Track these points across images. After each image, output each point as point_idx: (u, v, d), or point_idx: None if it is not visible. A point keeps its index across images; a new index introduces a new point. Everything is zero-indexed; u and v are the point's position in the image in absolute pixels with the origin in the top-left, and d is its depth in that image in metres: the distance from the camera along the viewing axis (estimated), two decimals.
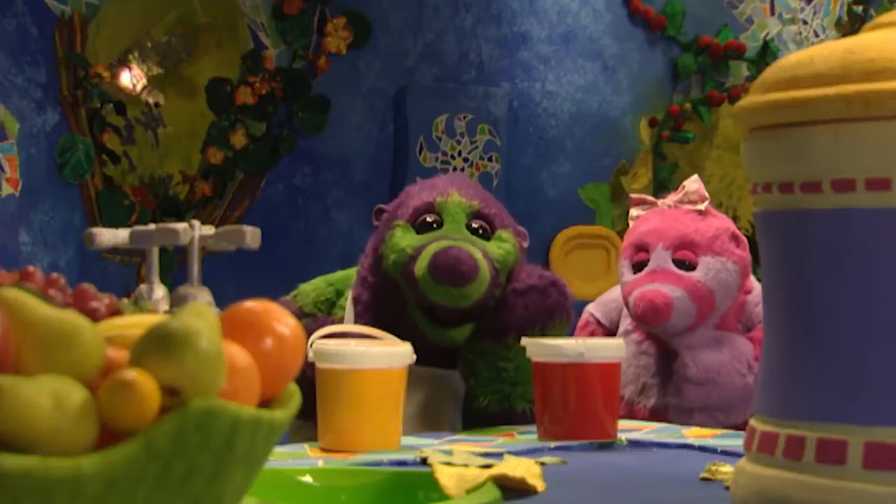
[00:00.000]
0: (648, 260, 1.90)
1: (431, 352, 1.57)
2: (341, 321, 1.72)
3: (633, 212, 1.98)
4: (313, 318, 1.72)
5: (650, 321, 1.84)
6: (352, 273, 1.76)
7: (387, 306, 1.64)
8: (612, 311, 2.06)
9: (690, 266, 1.86)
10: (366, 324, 1.61)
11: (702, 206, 1.89)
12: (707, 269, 1.86)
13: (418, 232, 1.62)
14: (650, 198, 1.97)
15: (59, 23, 3.96)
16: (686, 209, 1.90)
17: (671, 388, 1.87)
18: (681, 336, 1.87)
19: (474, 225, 1.63)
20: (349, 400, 1.30)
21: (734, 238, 1.90)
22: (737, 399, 1.81)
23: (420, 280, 1.55)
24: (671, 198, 1.94)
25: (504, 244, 1.62)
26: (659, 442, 1.37)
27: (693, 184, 1.93)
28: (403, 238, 1.61)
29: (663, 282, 1.86)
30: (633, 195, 2.00)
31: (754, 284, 1.95)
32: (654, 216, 1.95)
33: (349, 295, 1.73)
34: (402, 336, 1.52)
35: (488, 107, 4.38)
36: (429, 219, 1.63)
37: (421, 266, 1.55)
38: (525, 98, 4.50)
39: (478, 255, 1.55)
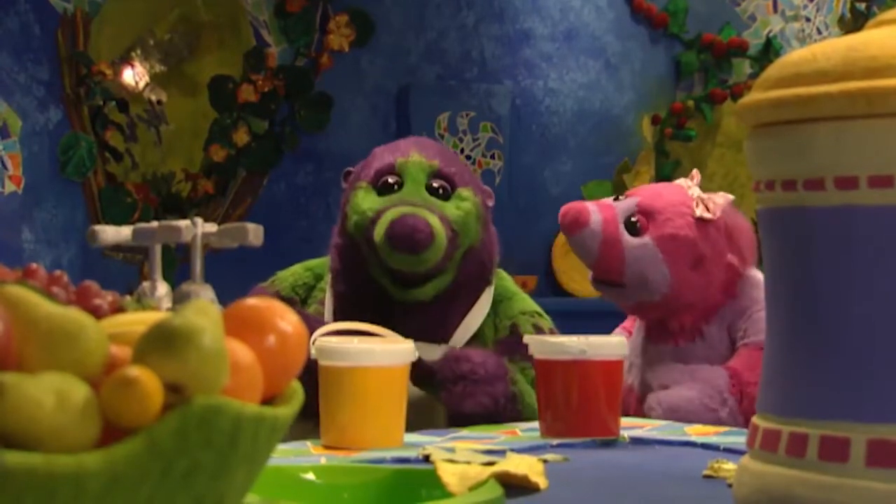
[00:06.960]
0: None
1: (400, 311, 1.65)
2: (321, 304, 1.75)
3: (683, 181, 1.95)
4: (290, 301, 1.75)
5: (564, 223, 1.88)
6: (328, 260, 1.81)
7: (353, 267, 1.70)
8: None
9: (638, 231, 1.85)
10: (338, 291, 1.69)
11: (698, 212, 1.86)
12: (641, 244, 1.84)
13: (379, 194, 1.68)
14: (699, 190, 1.92)
15: (62, 20, 3.96)
16: (692, 204, 1.87)
17: None
18: (654, 371, 1.85)
19: (434, 184, 1.69)
20: (352, 397, 1.30)
21: (698, 259, 1.83)
22: None
23: (378, 246, 1.62)
24: (698, 191, 1.90)
25: (464, 203, 1.68)
26: (661, 439, 1.37)
27: (719, 198, 1.88)
28: (365, 200, 1.68)
29: (598, 206, 1.88)
30: (695, 172, 1.97)
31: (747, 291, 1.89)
32: (673, 186, 1.93)
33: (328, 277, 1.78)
34: (368, 296, 1.62)
35: (491, 104, 4.38)
36: (390, 180, 1.69)
37: (379, 233, 1.62)
38: (527, 96, 4.50)
39: (434, 220, 1.61)
